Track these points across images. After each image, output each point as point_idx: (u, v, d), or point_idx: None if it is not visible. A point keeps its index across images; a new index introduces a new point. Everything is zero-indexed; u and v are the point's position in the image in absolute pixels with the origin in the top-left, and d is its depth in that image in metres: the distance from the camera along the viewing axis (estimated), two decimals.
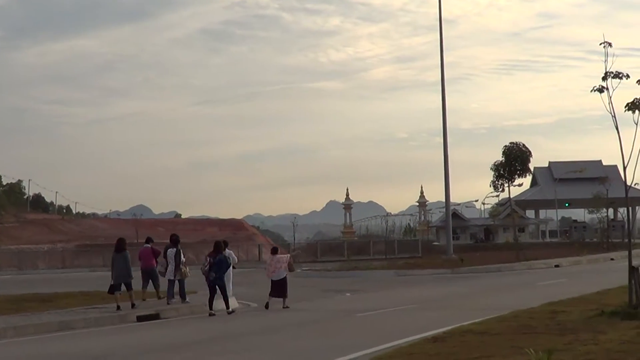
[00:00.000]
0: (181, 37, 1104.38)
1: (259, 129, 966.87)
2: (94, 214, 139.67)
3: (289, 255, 29.68)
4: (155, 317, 23.33)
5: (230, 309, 24.66)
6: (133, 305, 24.43)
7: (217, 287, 24.84)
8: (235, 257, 29.87)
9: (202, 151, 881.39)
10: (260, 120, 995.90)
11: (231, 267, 27.03)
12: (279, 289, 26.53)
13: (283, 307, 25.86)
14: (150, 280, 27.97)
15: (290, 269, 27.30)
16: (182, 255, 26.97)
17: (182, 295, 26.55)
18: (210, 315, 24.02)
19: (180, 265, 26.41)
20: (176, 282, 26.64)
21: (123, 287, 24.85)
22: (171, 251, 26.86)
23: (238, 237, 79.59)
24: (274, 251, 28.46)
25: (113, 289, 24.93)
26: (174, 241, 27.39)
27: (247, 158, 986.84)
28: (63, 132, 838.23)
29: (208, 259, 25.25)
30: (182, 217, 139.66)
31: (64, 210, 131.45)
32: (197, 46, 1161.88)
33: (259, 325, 21.15)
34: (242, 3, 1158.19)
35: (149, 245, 28.60)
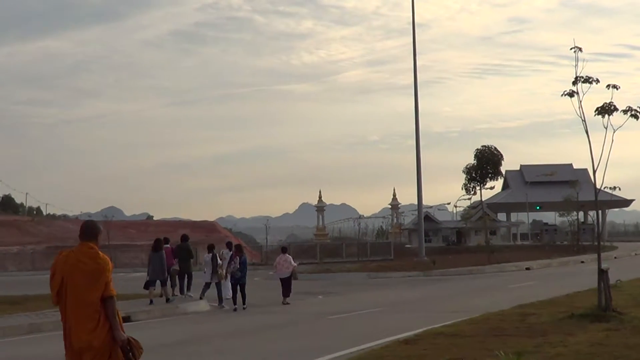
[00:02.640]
0: (153, 38, 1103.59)
1: (231, 131, 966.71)
2: (64, 216, 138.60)
3: (296, 264, 30.73)
4: (126, 319, 23.18)
5: (245, 305, 26.56)
6: (167, 300, 26.90)
7: (239, 285, 26.71)
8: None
9: (174, 153, 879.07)
10: (232, 122, 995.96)
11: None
12: (285, 286, 28.65)
13: (283, 304, 27.90)
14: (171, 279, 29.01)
15: (294, 277, 29.49)
16: (218, 259, 28.60)
17: (220, 298, 27.83)
18: (234, 310, 26.11)
19: (218, 269, 27.98)
20: (213, 284, 28.31)
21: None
22: (207, 256, 28.97)
23: (211, 240, 79.11)
24: (284, 250, 31.23)
25: (148, 285, 27.54)
26: (209, 247, 29.98)
27: (220, 160, 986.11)
28: (33, 133, 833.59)
29: (235, 259, 26.96)
30: (154, 218, 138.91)
31: (34, 212, 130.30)
32: (168, 47, 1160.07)
33: (231, 327, 21.12)
34: (214, 5, 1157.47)
35: (167, 246, 29.70)
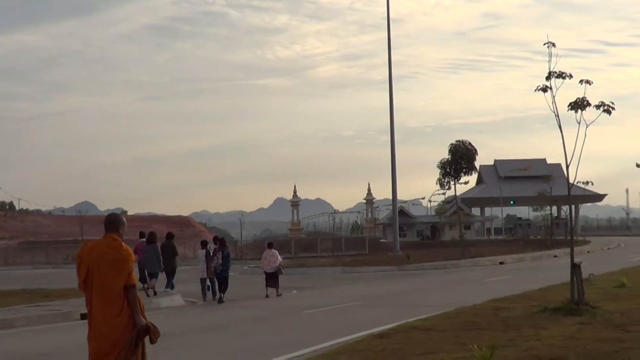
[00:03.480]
0: (127, 32, 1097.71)
1: (205, 126, 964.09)
2: (38, 211, 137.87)
3: (281, 259, 31.47)
4: None
5: (223, 298, 27.43)
6: (155, 293, 27.40)
7: (222, 278, 27.76)
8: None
9: (149, 147, 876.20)
10: (207, 116, 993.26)
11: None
12: (272, 279, 29.79)
13: (268, 295, 29.10)
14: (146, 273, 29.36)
15: (280, 271, 30.37)
16: (211, 255, 29.14)
17: (214, 292, 28.54)
18: (219, 302, 26.96)
19: (211, 265, 28.43)
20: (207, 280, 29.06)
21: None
22: (201, 252, 29.70)
23: (185, 234, 79.15)
24: (270, 245, 31.99)
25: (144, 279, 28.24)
26: (202, 243, 31.03)
27: (194, 155, 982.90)
28: (6, 126, 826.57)
29: (219, 254, 27.98)
30: (128, 213, 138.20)
31: (7, 207, 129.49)
32: (143, 42, 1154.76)
33: (205, 322, 21.08)
34: None
35: (144, 240, 30.01)
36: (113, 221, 8.70)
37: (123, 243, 8.55)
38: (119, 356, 8.21)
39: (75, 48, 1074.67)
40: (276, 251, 31.39)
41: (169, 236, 29.79)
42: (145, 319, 8.40)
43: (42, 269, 61.28)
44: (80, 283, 8.60)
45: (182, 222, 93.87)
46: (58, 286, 33.09)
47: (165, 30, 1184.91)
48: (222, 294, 27.59)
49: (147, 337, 8.43)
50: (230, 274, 28.72)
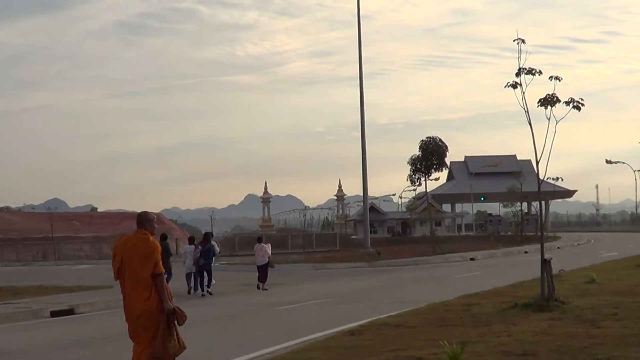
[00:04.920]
0: (96, 28, 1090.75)
1: (175, 122, 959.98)
2: (7, 208, 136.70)
3: (270, 253, 32.22)
4: (69, 312, 22.93)
5: (210, 290, 28.96)
6: None
7: (204, 271, 29.05)
8: (218, 248, 33.43)
9: (118, 144, 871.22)
10: (176, 113, 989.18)
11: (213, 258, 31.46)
12: (262, 272, 30.95)
13: (262, 289, 30.18)
14: None
15: (271, 265, 31.67)
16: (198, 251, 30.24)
17: (195, 287, 29.62)
18: (202, 296, 28.33)
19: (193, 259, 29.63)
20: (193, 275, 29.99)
21: None
22: (188, 247, 30.70)
23: (155, 231, 78.67)
24: (260, 240, 33.30)
25: None
26: (190, 239, 32.55)
27: (164, 151, 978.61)
28: None
29: (199, 248, 29.40)
30: (99, 210, 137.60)
31: None
32: (112, 38, 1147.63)
33: None
34: None
35: None
36: (143, 218, 9.99)
37: (151, 237, 9.82)
38: (154, 337, 9.43)
39: (44, 45, 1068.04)
40: (265, 245, 32.31)
41: (163, 237, 30.22)
42: (172, 304, 9.54)
43: (11, 267, 60.76)
44: (114, 273, 9.80)
45: None
46: (28, 283, 32.82)
47: (134, 26, 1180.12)
48: (208, 288, 28.99)
49: (175, 319, 9.56)
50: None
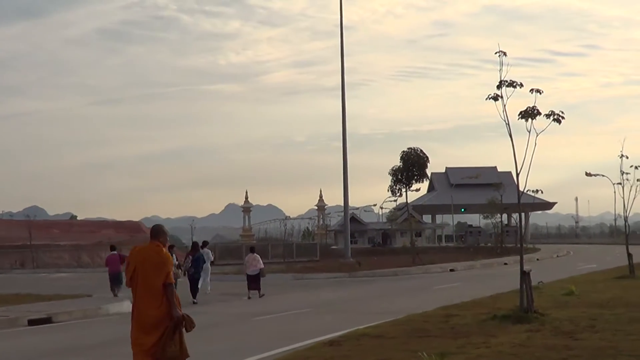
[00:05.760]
0: (77, 36, 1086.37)
1: (156, 131, 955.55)
2: None
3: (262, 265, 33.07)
4: (47, 320, 22.77)
5: (196, 300, 29.25)
6: None
7: (195, 280, 29.84)
8: (212, 256, 34.85)
9: (99, 152, 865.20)
10: (158, 121, 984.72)
11: (209, 264, 33.10)
12: (254, 282, 31.65)
13: (250, 297, 31.03)
14: (116, 283, 31.47)
15: (263, 274, 32.39)
16: (175, 259, 30.19)
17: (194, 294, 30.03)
18: (193, 303, 28.34)
19: (182, 268, 30.43)
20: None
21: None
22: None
23: (135, 240, 78.29)
24: (252, 250, 34.12)
25: None
26: (169, 247, 31.06)
27: (145, 160, 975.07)
28: None
29: (189, 257, 30.30)
30: (78, 218, 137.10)
31: None
32: (93, 46, 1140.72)
33: None
34: (140, 3, 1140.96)
35: (115, 253, 32.81)
36: (158, 231, 10.51)
37: (164, 249, 10.34)
38: (158, 342, 9.83)
39: (24, 51, 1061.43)
40: (257, 255, 33.08)
41: (171, 248, 30.83)
42: (181, 311, 10.01)
43: None
44: (127, 280, 10.39)
45: (133, 227, 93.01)
46: (5, 292, 32.57)
47: (116, 34, 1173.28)
48: (194, 296, 29.54)
49: (183, 326, 10.02)
50: (179, 280, 28.85)
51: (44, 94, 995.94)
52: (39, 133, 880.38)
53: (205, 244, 34.91)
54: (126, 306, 26.78)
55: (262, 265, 32.69)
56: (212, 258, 35.05)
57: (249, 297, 31.15)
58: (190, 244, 35.76)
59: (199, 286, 30.70)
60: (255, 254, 33.04)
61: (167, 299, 10.00)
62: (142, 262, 10.19)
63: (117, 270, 31.82)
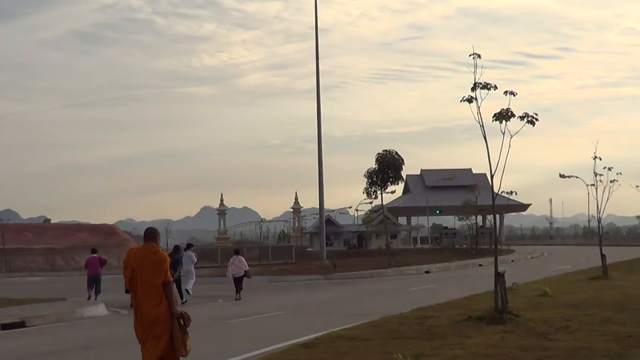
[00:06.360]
0: (50, 38, 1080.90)
1: (131, 133, 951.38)
2: None
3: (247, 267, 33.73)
4: (20, 324, 22.61)
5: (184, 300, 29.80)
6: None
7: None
8: (195, 258, 35.00)
9: (73, 155, 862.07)
10: (132, 124, 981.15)
11: (192, 266, 34.00)
12: (238, 283, 32.24)
13: (237, 299, 31.53)
14: (95, 285, 32.24)
15: (248, 276, 33.18)
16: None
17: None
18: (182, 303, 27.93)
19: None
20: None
21: None
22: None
23: (110, 243, 77.99)
24: (237, 252, 34.54)
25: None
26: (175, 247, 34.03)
27: (119, 162, 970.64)
28: None
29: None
30: (52, 222, 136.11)
31: None
32: (66, 48, 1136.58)
33: (127, 333, 20.72)
34: (114, 5, 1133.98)
35: (95, 255, 33.48)
36: (152, 233, 10.95)
37: (160, 249, 10.78)
38: (159, 337, 10.33)
39: None
40: (242, 257, 33.78)
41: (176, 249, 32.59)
42: (179, 309, 10.50)
43: None
44: (126, 282, 10.74)
45: (107, 230, 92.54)
46: None
47: (89, 36, 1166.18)
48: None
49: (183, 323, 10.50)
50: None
51: (17, 96, 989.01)
52: (12, 136, 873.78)
53: (189, 246, 35.89)
54: (101, 310, 26.74)
55: (247, 267, 33.28)
56: (196, 260, 35.40)
57: (237, 299, 31.73)
58: (166, 247, 35.89)
59: (190, 285, 32.99)
60: (240, 256, 33.63)
61: (166, 297, 10.45)
62: (140, 263, 10.58)
63: (96, 273, 32.43)
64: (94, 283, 32.27)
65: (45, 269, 70.11)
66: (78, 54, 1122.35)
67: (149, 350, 10.45)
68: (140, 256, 10.69)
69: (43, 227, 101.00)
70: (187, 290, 32.22)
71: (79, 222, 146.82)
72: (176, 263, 30.57)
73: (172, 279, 10.69)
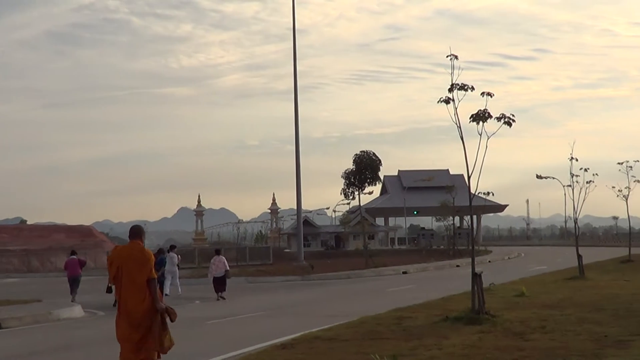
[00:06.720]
0: (26, 38, 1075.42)
1: (108, 134, 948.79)
2: None
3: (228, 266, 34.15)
4: None
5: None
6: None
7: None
8: (178, 259, 36.00)
9: (49, 156, 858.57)
10: (109, 125, 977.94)
11: (176, 267, 35.13)
12: (220, 283, 32.67)
13: (219, 299, 31.96)
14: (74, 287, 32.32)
15: (228, 276, 33.40)
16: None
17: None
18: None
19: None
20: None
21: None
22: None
23: (86, 244, 77.52)
24: (218, 252, 34.96)
25: (111, 290, 29.68)
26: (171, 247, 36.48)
27: (97, 163, 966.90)
28: None
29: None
30: (28, 223, 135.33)
31: None
32: (43, 48, 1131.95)
33: (104, 333, 20.66)
34: (90, 6, 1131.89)
35: (75, 257, 33.57)
36: (137, 231, 11.21)
37: (144, 247, 11.08)
38: (145, 332, 10.56)
39: None
40: (223, 257, 34.16)
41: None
42: (164, 304, 10.76)
43: None
44: (110, 278, 11.11)
45: (84, 231, 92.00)
46: None
47: (66, 37, 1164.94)
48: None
49: (168, 317, 10.80)
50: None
51: None
52: None
53: (172, 247, 37.01)
54: (77, 311, 26.61)
55: (228, 268, 33.65)
56: (178, 261, 36.15)
57: (218, 299, 32.15)
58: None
59: (168, 288, 33.53)
60: (221, 257, 34.01)
61: (150, 293, 10.70)
62: (126, 261, 10.85)
63: (76, 274, 32.59)
64: (73, 284, 32.38)
65: (21, 270, 69.69)
66: (55, 54, 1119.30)
67: (129, 347, 10.70)
68: (125, 253, 10.95)
69: (19, 228, 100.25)
70: (166, 293, 32.13)
71: (55, 223, 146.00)
72: (159, 263, 31.07)
73: (155, 276, 10.92)
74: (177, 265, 36.11)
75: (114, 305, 29.14)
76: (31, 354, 16.63)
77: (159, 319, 10.69)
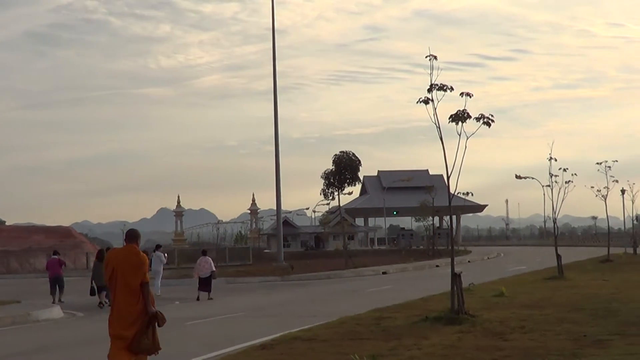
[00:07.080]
0: (4, 39, 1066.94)
1: (86, 135, 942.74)
2: None
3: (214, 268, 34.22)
4: None
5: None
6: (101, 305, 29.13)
7: None
8: (165, 259, 36.27)
9: (27, 156, 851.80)
10: (87, 125, 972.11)
11: (161, 267, 35.36)
12: (205, 284, 32.75)
13: (208, 299, 32.00)
14: (57, 286, 32.35)
15: (214, 277, 33.49)
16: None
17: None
18: None
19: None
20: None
21: None
22: (98, 262, 30.95)
23: (65, 245, 77.09)
24: (204, 253, 34.99)
25: (94, 292, 30.07)
26: (98, 253, 33.88)
27: (75, 164, 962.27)
28: None
29: None
30: (7, 223, 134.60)
31: None
32: (21, 49, 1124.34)
33: (84, 335, 20.59)
34: (68, 6, 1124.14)
35: (56, 257, 33.75)
36: (134, 234, 11.35)
37: (140, 251, 11.17)
38: (135, 335, 10.69)
39: None
40: (209, 258, 34.20)
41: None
42: (155, 308, 10.83)
43: None
44: (105, 280, 11.34)
45: (63, 232, 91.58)
46: None
47: (45, 37, 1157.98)
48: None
49: (156, 322, 10.86)
50: None
51: None
52: None
53: (157, 247, 37.35)
54: (57, 312, 26.47)
55: (214, 269, 33.74)
56: (165, 261, 36.22)
57: (198, 299, 32.00)
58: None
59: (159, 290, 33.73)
60: (207, 257, 34.11)
61: (143, 297, 10.84)
62: (121, 264, 10.98)
63: (58, 274, 32.64)
64: (56, 284, 32.38)
65: (0, 271, 69.27)
66: (33, 55, 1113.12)
67: (120, 345, 10.85)
68: (121, 256, 11.10)
69: None
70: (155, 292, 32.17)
71: (34, 224, 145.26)
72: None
73: (148, 280, 11.00)
74: (163, 265, 36.18)
75: (99, 306, 29.09)
76: (9, 355, 16.52)
77: (146, 322, 10.79)
